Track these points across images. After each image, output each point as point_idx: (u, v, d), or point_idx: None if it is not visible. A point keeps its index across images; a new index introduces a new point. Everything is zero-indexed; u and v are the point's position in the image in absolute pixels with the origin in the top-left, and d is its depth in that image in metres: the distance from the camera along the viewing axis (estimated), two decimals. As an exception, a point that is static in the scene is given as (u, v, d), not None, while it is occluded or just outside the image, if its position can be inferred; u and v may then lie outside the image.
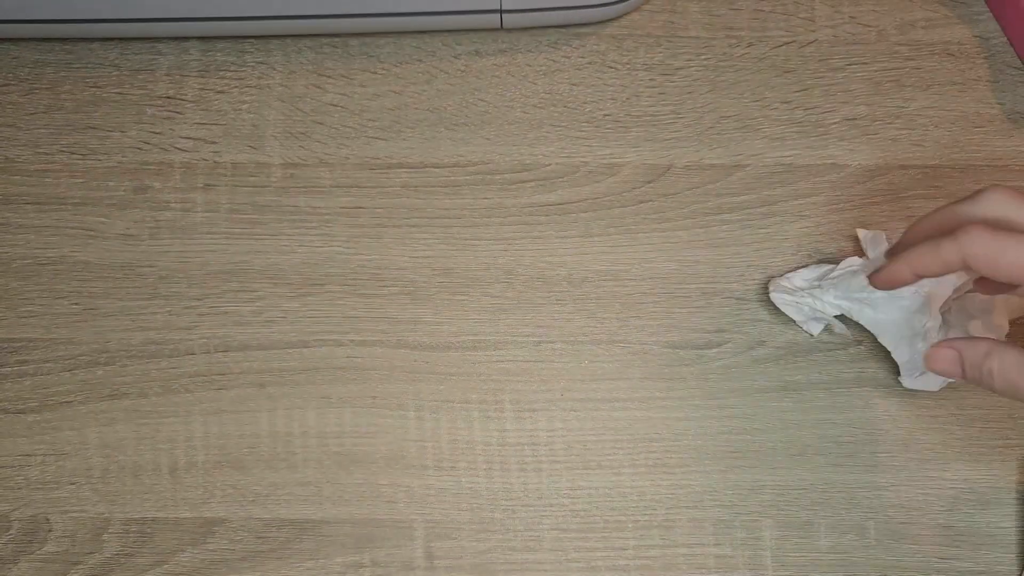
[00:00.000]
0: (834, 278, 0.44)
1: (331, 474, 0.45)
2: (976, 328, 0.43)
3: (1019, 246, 0.33)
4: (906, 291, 0.42)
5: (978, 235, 0.34)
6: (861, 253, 0.45)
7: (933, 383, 0.44)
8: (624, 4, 0.48)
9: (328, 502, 0.44)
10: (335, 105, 0.49)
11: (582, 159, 0.48)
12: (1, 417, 0.45)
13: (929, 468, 0.44)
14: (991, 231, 0.33)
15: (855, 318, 0.44)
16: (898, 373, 0.44)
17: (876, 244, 0.44)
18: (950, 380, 0.44)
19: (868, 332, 0.44)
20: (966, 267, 0.34)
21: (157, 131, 0.48)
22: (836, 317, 0.44)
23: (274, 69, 0.49)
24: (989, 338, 0.37)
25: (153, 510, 0.45)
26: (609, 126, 0.48)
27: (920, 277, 0.36)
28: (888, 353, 0.44)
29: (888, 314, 0.43)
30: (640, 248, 0.47)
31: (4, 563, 0.44)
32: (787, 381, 0.45)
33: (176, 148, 0.48)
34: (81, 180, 0.48)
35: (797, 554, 0.44)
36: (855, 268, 0.44)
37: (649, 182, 0.47)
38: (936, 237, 0.35)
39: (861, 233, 0.45)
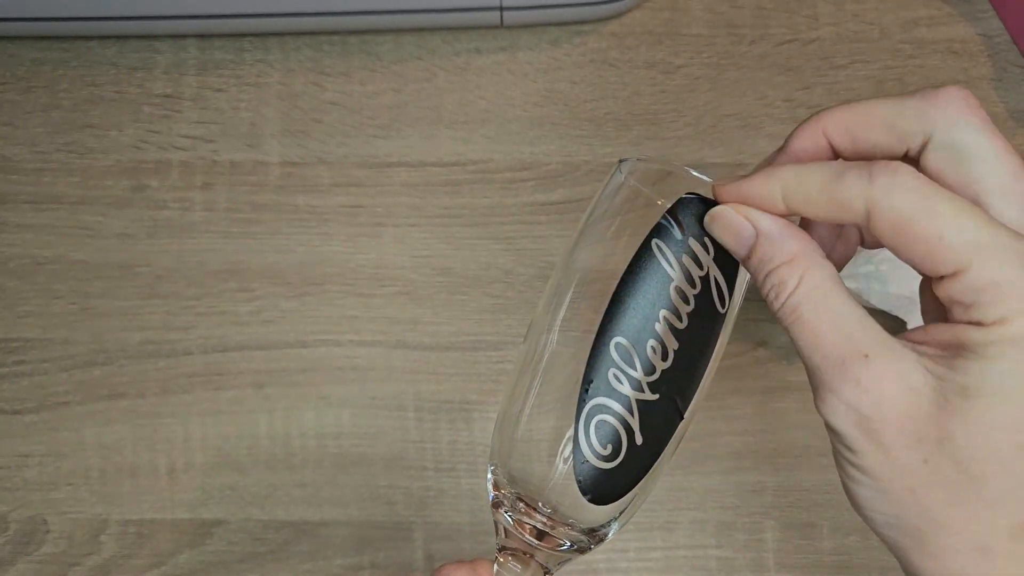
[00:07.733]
0: None
1: (330, 475, 0.44)
2: None
3: (952, 209, 0.22)
4: None
5: (905, 179, 0.22)
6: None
7: None
8: (625, 1, 0.47)
9: (327, 504, 0.44)
10: (334, 103, 0.48)
11: (583, 158, 0.47)
12: (-2, 418, 0.45)
13: (932, 469, 0.44)
14: (924, 179, 0.22)
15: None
16: None
17: None
18: None
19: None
20: (865, 222, 0.22)
21: (155, 130, 0.48)
22: None
23: (272, 67, 0.49)
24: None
25: (151, 511, 0.44)
26: (610, 124, 0.48)
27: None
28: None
29: (899, 287, 0.41)
30: (641, 247, 0.46)
31: (1, 564, 0.44)
32: (789, 381, 0.45)
33: (174, 147, 0.48)
34: (78, 179, 0.48)
35: (799, 555, 0.43)
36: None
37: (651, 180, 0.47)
38: (839, 165, 0.23)
39: None
